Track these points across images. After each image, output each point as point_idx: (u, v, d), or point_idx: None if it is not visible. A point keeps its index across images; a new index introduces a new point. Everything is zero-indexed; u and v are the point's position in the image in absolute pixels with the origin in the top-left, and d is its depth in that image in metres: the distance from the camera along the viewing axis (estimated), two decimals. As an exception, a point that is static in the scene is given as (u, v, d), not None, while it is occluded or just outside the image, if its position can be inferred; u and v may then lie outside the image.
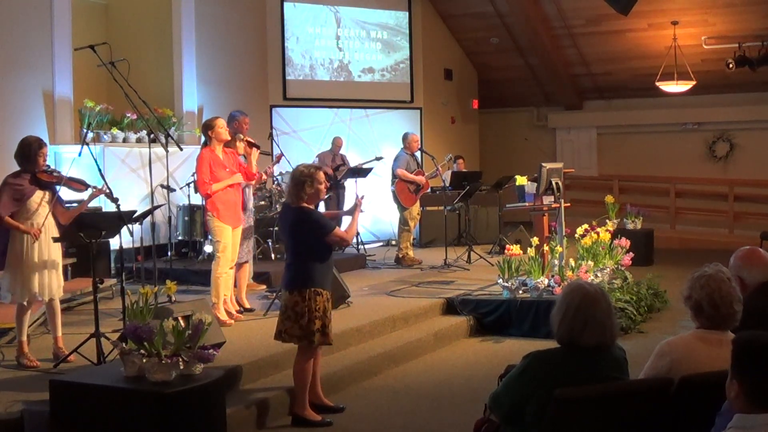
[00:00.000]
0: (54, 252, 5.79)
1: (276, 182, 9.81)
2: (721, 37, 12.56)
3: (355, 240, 10.94)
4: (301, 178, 5.16)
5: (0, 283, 5.90)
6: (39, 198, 5.71)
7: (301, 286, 5.11)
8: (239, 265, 7.36)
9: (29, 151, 5.68)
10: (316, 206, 5.48)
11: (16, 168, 5.75)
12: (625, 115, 14.95)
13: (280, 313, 5.23)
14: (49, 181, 5.76)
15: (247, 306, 7.41)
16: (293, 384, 5.31)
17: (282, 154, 8.48)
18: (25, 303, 5.73)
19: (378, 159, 11.23)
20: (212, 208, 6.72)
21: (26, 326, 5.80)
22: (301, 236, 5.19)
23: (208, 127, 6.85)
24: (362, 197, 5.57)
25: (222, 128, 6.87)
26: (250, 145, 7.34)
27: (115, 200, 6.03)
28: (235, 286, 7.38)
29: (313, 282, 5.12)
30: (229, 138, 7.03)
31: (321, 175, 5.23)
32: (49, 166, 5.87)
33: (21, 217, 5.64)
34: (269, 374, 5.78)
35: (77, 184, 5.98)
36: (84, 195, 6.10)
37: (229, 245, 6.80)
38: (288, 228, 5.29)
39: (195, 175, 7.18)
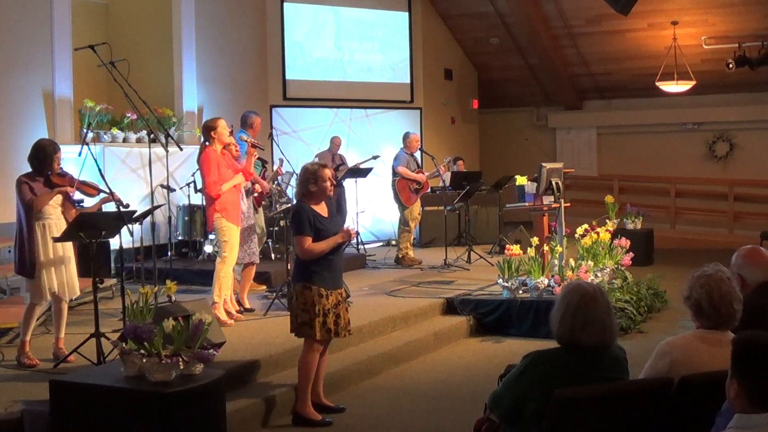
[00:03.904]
0: (68, 251, 5.82)
1: (276, 182, 9.81)
2: (721, 37, 12.56)
3: (355, 240, 10.94)
4: (306, 176, 5.29)
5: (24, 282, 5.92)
6: (51, 200, 5.71)
7: (296, 281, 5.30)
8: (245, 266, 7.37)
9: (44, 156, 5.70)
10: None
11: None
12: (625, 115, 14.96)
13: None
14: (61, 184, 5.76)
15: (248, 306, 7.41)
16: (298, 379, 5.33)
17: (282, 161, 8.46)
18: (43, 303, 5.75)
19: (375, 158, 11.22)
20: (221, 209, 6.72)
21: (32, 327, 5.81)
22: (293, 229, 5.33)
23: (210, 128, 6.85)
24: (356, 232, 5.61)
25: (224, 129, 6.88)
26: (254, 146, 7.34)
27: (126, 206, 6.03)
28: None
29: (304, 277, 5.21)
30: (230, 141, 7.02)
31: (326, 173, 5.31)
32: (62, 169, 5.87)
33: (33, 217, 5.65)
34: (269, 374, 5.78)
35: (89, 189, 6.01)
36: (93, 199, 6.13)
37: (235, 245, 6.82)
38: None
39: (200, 175, 7.13)
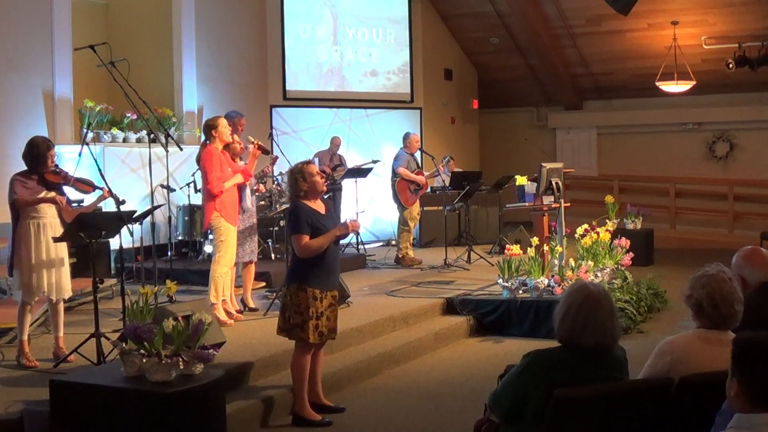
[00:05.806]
0: (61, 251, 5.80)
1: (276, 182, 9.80)
2: (721, 37, 12.56)
3: (355, 240, 10.94)
4: (293, 175, 5.30)
5: (11, 281, 5.91)
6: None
7: (289, 281, 5.25)
8: (245, 264, 7.37)
9: (37, 153, 5.67)
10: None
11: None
12: (625, 115, 14.96)
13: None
14: (56, 182, 5.76)
15: (252, 305, 7.40)
16: (292, 381, 5.32)
17: (277, 156, 8.44)
18: (33, 302, 5.74)
19: (375, 162, 11.24)
20: (221, 208, 6.72)
21: (28, 326, 5.80)
22: (290, 228, 5.29)
23: (211, 127, 6.85)
24: (357, 222, 5.44)
25: (225, 128, 6.89)
26: (260, 148, 7.32)
27: (122, 203, 6.03)
28: (239, 285, 7.39)
29: (299, 278, 5.17)
30: (231, 140, 7.02)
31: (312, 168, 5.33)
32: (57, 167, 5.86)
33: (27, 216, 5.64)
34: (269, 374, 5.78)
35: (85, 186, 5.99)
36: (89, 196, 6.12)
37: (231, 245, 6.81)
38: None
39: (200, 173, 7.09)
